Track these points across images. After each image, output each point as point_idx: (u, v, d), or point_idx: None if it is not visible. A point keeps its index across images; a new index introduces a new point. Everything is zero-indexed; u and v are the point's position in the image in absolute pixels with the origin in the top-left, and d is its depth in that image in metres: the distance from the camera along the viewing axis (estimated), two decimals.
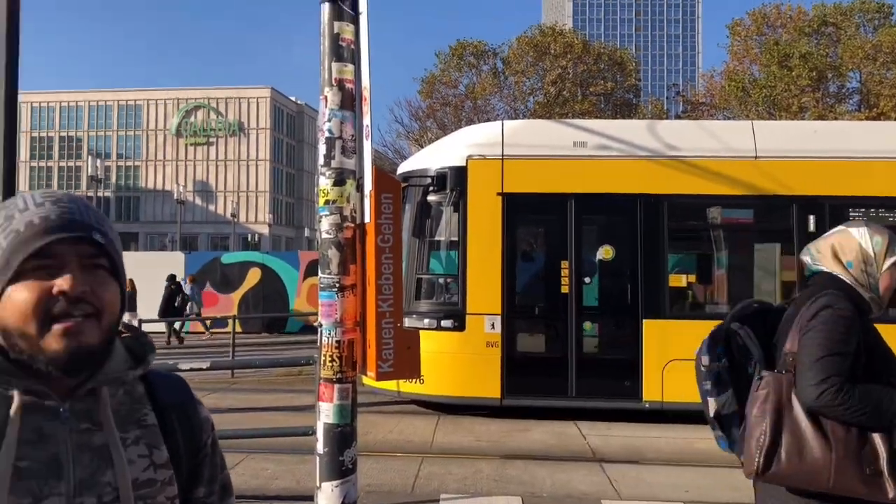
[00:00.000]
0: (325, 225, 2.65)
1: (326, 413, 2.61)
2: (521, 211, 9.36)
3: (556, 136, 9.60)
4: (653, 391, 8.88)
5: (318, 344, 2.67)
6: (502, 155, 9.24)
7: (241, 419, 9.13)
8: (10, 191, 11.09)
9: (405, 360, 2.55)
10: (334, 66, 2.67)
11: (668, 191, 9.10)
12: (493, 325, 8.94)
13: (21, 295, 1.11)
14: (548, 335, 9.51)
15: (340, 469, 2.57)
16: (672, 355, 8.79)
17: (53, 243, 1.12)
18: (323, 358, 2.63)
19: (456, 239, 9.36)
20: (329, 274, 2.64)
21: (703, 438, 7.18)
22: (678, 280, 9.41)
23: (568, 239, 9.26)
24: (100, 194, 74.32)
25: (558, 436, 8.38)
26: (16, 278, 1.12)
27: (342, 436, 2.60)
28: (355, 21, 2.65)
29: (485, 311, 8.99)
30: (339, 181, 2.66)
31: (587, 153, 9.26)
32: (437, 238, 9.65)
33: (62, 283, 1.11)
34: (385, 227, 2.57)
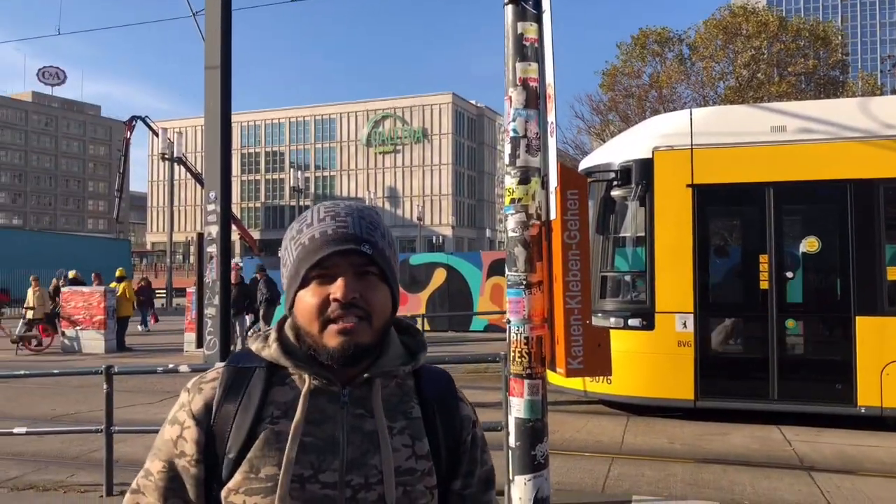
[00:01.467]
0: (511, 223, 2.69)
1: (517, 408, 2.65)
2: (713, 203, 8.86)
3: (751, 122, 8.97)
4: (869, 396, 8.04)
5: (507, 340, 2.72)
6: (691, 145, 8.76)
7: None
8: (227, 201, 12.23)
9: (596, 358, 2.53)
10: (518, 65, 2.71)
11: (885, 174, 8.19)
12: (684, 323, 8.52)
13: (306, 299, 1.30)
14: (745, 334, 8.91)
15: (532, 463, 2.60)
16: (893, 356, 7.92)
17: (329, 255, 1.28)
18: (512, 354, 2.67)
19: (643, 234, 8.93)
20: (516, 271, 2.67)
21: None
22: None
23: (766, 231, 8.59)
24: (301, 203, 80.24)
25: (760, 440, 7.85)
26: (303, 285, 1.31)
27: (533, 431, 2.63)
28: (538, 19, 2.67)
29: (676, 310, 8.59)
30: (524, 179, 2.69)
31: (787, 138, 8.52)
32: (622, 234, 9.33)
33: (335, 289, 1.27)
34: (571, 224, 2.56)
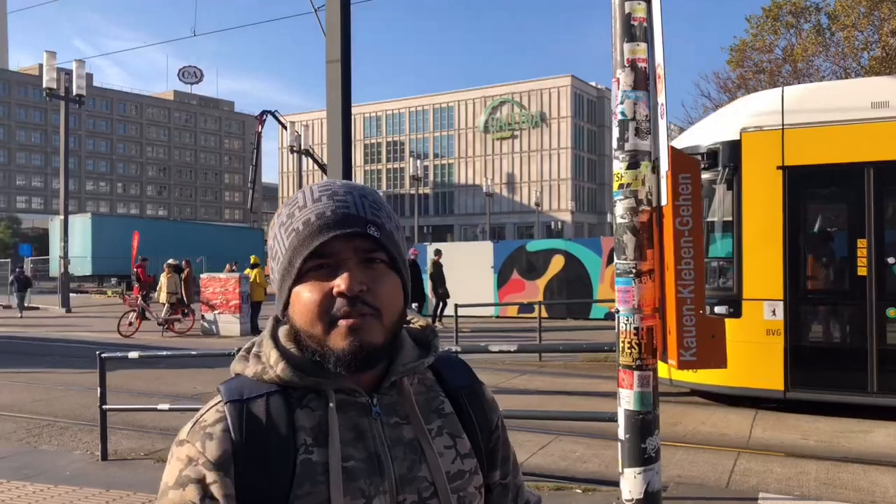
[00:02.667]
0: (620, 209, 2.61)
1: (627, 400, 2.58)
2: (805, 185, 8.39)
3: (849, 98, 8.37)
4: None
5: (616, 330, 2.65)
6: (782, 124, 8.31)
7: (549, 401, 9.42)
8: None
9: (710, 349, 2.41)
10: (626, 46, 2.61)
11: None
12: (773, 311, 8.18)
13: (305, 296, 1.10)
14: (841, 323, 8.46)
15: (642, 457, 2.53)
16: None
17: (329, 241, 1.08)
18: (621, 345, 2.60)
19: (730, 219, 8.60)
20: (625, 259, 2.59)
21: None
22: None
23: (865, 214, 8.02)
24: (420, 191, 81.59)
25: None
26: (300, 279, 1.10)
27: (643, 423, 2.55)
28: None
29: (764, 297, 8.25)
30: (633, 164, 2.60)
31: (889, 114, 7.88)
32: (709, 219, 8.88)
33: (339, 282, 1.07)
34: (683, 210, 2.45)
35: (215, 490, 1.06)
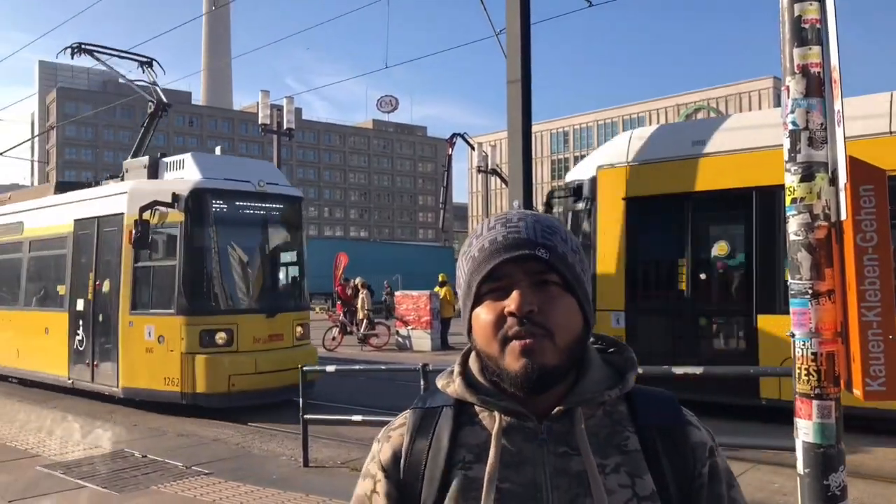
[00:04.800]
0: (793, 225, 2.42)
1: (805, 431, 2.37)
2: (641, 213, 10.21)
3: (676, 138, 10.04)
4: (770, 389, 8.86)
5: (793, 356, 2.46)
6: (627, 161, 10.06)
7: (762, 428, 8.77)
8: (529, 206, 12.94)
9: None
10: (796, 52, 2.43)
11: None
12: (618, 320, 9.70)
13: (481, 317, 1.14)
14: (668, 330, 9.95)
15: (826, 494, 2.31)
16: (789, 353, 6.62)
17: (501, 264, 1.13)
18: (798, 371, 2.40)
19: (589, 242, 10.23)
20: (800, 279, 2.40)
21: None
22: None
23: (685, 238, 9.81)
24: None
25: None
26: (478, 301, 1.16)
27: (825, 458, 2.33)
28: None
29: (611, 308, 9.71)
30: (807, 176, 2.41)
31: (705, 151, 9.68)
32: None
33: (509, 303, 1.11)
34: (866, 224, 2.22)
35: (380, 488, 1.19)
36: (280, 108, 30.26)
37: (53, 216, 13.31)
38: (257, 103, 28.89)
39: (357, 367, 9.16)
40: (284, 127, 30.01)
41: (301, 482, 7.00)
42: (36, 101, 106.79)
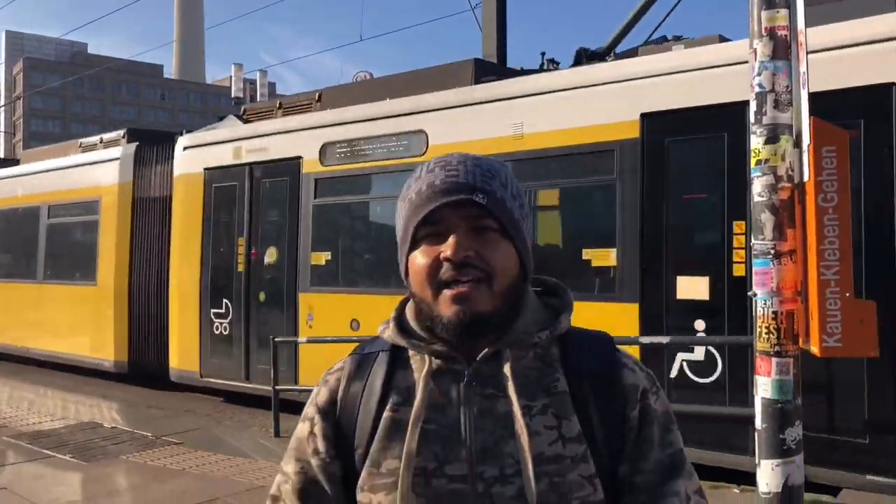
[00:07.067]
0: (758, 187, 2.47)
1: (764, 388, 2.43)
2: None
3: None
4: None
5: (753, 314, 2.51)
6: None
7: None
8: None
9: (856, 335, 2.23)
10: (763, 14, 2.46)
11: None
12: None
13: (416, 262, 1.13)
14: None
15: (781, 448, 2.38)
16: None
17: (438, 209, 1.11)
18: (759, 329, 2.46)
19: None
20: (762, 239, 2.45)
21: None
22: None
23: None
24: None
25: None
26: (414, 245, 1.14)
27: (782, 413, 2.40)
28: None
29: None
30: (771, 138, 2.45)
31: None
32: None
33: (445, 248, 1.10)
34: (827, 185, 2.26)
35: (317, 430, 1.21)
36: (253, 83, 30.01)
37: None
38: (230, 77, 28.52)
39: (329, 338, 9.14)
40: (258, 100, 29.81)
41: (272, 451, 7.01)
42: (2, 72, 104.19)
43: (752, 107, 2.49)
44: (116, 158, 11.00)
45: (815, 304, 2.28)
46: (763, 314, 2.43)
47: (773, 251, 2.41)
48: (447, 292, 1.10)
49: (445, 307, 1.10)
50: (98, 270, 10.93)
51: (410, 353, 1.18)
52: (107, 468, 6.45)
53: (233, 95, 28.54)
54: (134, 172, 10.77)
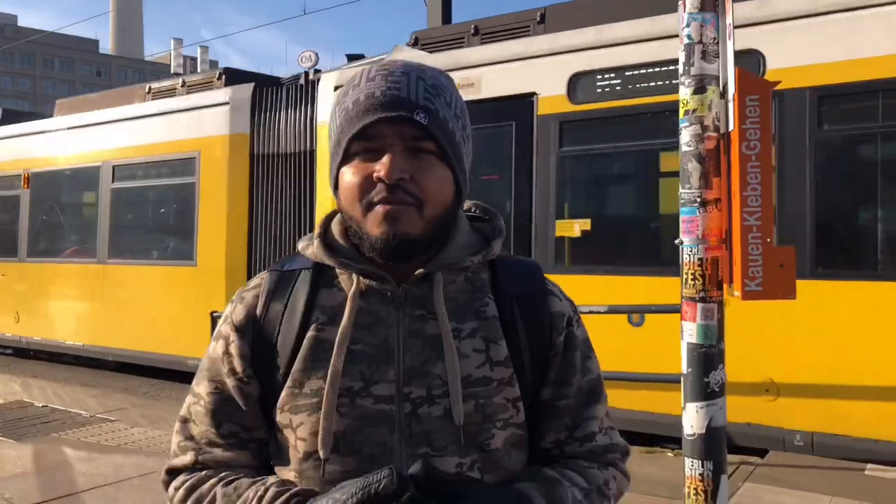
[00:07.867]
0: (685, 136, 2.52)
1: (689, 333, 2.51)
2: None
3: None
4: None
5: (680, 262, 2.58)
6: None
7: None
8: None
9: (776, 279, 2.30)
10: None
11: None
12: None
13: (347, 177, 1.08)
14: None
15: (706, 391, 2.46)
16: None
17: (374, 123, 1.04)
18: (685, 276, 2.53)
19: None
20: (689, 188, 2.51)
21: None
22: None
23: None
24: None
25: None
26: (347, 159, 1.08)
27: (706, 357, 2.48)
28: None
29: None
30: (699, 89, 2.50)
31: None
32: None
33: (379, 168, 1.04)
34: (750, 133, 2.32)
35: (233, 349, 1.14)
36: (194, 59, 29.17)
37: None
38: (169, 53, 27.66)
39: None
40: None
41: None
42: None
43: (681, 58, 2.54)
44: (224, 103, 8.68)
45: (738, 250, 2.34)
46: (689, 261, 2.49)
47: (699, 199, 2.47)
48: (378, 210, 1.05)
49: (374, 226, 1.06)
50: (196, 246, 8.78)
51: (337, 271, 1.14)
52: (39, 445, 6.25)
53: (172, 72, 27.66)
54: (252, 120, 8.57)
